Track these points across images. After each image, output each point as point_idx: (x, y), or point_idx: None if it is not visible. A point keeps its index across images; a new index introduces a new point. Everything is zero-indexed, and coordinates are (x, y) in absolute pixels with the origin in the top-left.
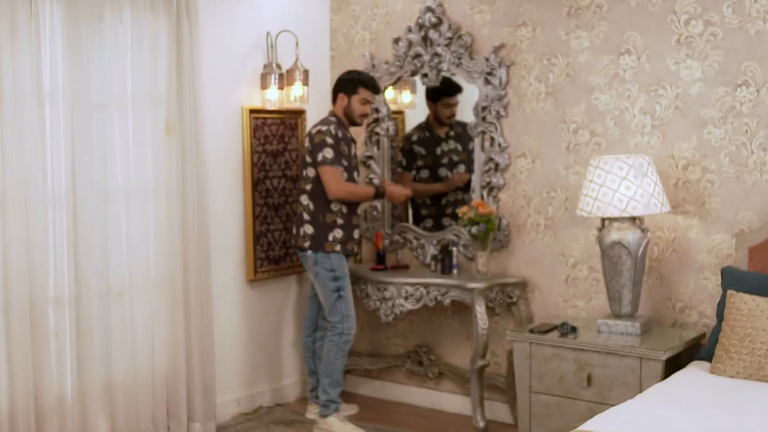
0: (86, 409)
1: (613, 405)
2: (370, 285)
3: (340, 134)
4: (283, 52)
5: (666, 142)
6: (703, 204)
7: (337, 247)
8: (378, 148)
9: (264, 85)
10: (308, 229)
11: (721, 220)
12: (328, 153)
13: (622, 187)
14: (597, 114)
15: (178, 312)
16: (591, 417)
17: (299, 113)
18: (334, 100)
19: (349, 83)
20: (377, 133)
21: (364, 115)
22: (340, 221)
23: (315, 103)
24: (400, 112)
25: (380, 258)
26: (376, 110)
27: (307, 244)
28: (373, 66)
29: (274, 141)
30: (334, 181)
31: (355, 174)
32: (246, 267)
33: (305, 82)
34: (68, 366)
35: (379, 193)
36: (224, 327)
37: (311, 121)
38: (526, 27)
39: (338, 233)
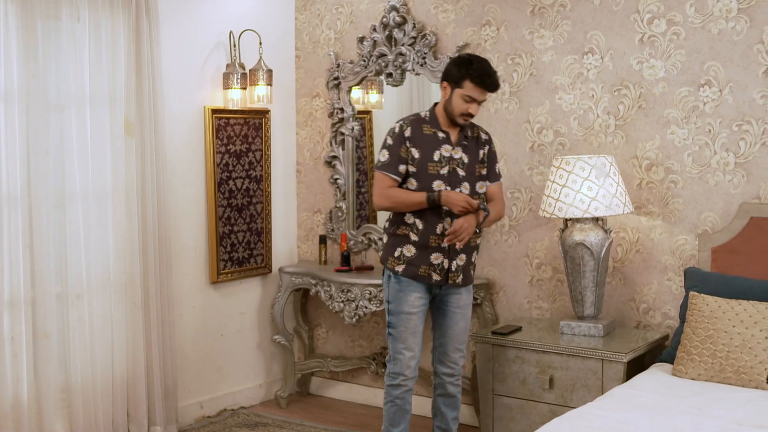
0: (43, 414)
1: (575, 407)
2: (334, 286)
3: (408, 133)
4: (246, 52)
5: (629, 143)
6: (667, 204)
7: (400, 267)
8: (343, 149)
9: (226, 85)
10: (384, 237)
11: (685, 220)
12: (383, 156)
13: (584, 187)
14: (561, 114)
15: (138, 314)
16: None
17: (263, 113)
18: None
19: (455, 72)
20: (342, 134)
21: (467, 115)
22: (414, 237)
23: (279, 103)
24: (367, 112)
25: (345, 259)
26: (341, 110)
27: (380, 254)
28: (338, 66)
29: (237, 141)
30: (376, 188)
31: (439, 183)
32: (209, 268)
33: (269, 82)
34: (24, 370)
35: (432, 200)
36: (186, 329)
37: (276, 121)
38: (490, 26)
39: (408, 250)
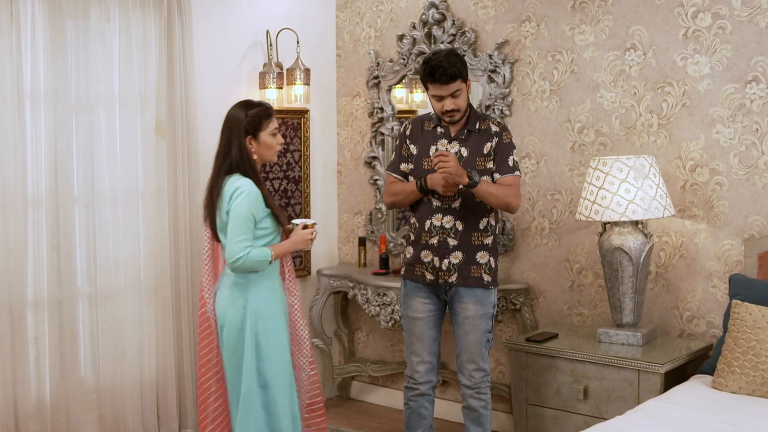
0: (70, 415)
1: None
2: (371, 290)
3: (408, 131)
4: (285, 51)
5: (673, 142)
6: (712, 207)
7: (403, 270)
8: (383, 149)
9: (262, 85)
10: None
11: (731, 224)
12: (394, 155)
13: (621, 189)
14: (602, 113)
15: (168, 316)
16: None
17: (302, 113)
18: None
19: (420, 76)
20: (382, 134)
21: (448, 113)
22: (412, 237)
23: (319, 102)
24: (411, 112)
25: (383, 262)
26: (381, 109)
27: None
28: (378, 64)
29: None
30: (385, 189)
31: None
32: None
33: (306, 82)
34: (47, 370)
35: (421, 187)
36: None
37: (315, 120)
38: (530, 22)
39: (409, 252)
